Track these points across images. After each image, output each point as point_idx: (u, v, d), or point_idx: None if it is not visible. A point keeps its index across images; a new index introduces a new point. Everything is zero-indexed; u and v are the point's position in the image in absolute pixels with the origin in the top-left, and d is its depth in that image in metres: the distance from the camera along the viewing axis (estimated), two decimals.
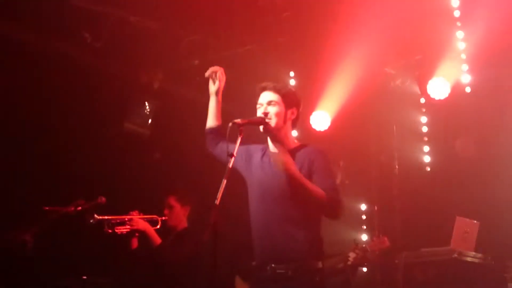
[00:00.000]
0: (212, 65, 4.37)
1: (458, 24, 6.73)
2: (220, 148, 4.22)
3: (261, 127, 4.00)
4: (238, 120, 3.85)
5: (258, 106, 4.09)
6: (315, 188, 3.81)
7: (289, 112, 4.08)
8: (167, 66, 7.73)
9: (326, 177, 3.91)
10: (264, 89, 4.11)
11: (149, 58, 7.47)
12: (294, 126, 4.18)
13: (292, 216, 3.86)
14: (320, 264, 3.89)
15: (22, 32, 6.58)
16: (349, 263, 6.08)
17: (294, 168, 3.80)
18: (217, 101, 4.34)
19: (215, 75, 4.29)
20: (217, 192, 3.49)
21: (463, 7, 6.61)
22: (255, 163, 4.12)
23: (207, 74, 4.30)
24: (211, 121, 4.36)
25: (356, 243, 6.21)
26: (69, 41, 6.89)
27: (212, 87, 4.32)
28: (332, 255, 6.04)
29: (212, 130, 4.34)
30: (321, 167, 3.95)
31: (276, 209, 3.89)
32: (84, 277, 5.94)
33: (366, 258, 6.17)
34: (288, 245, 3.83)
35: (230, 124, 3.84)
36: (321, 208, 3.87)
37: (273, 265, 3.84)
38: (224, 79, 4.32)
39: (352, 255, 6.10)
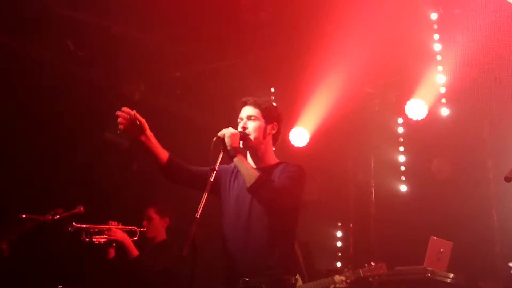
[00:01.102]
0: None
1: (438, 46, 6.84)
2: (194, 171, 4.07)
3: (240, 143, 3.97)
4: (222, 134, 3.85)
5: (238, 120, 4.08)
6: (251, 168, 3.86)
7: (269, 127, 4.08)
8: (149, 77, 7.73)
9: (283, 175, 3.90)
10: (245, 103, 4.11)
11: (131, 69, 7.48)
12: (275, 141, 4.16)
13: (266, 231, 3.83)
14: (293, 280, 3.86)
15: (5, 38, 6.55)
16: (337, 285, 5.89)
17: (236, 145, 3.85)
18: (152, 137, 3.97)
19: (136, 118, 3.84)
20: (197, 205, 3.48)
21: (442, 29, 6.72)
22: (232, 180, 4.07)
23: (121, 120, 3.82)
24: (160, 157, 4.02)
25: (349, 268, 6.04)
26: (52, 48, 6.89)
27: (138, 130, 3.89)
28: (322, 277, 5.97)
29: (167, 164, 4.03)
30: (287, 170, 3.95)
31: (250, 225, 3.86)
32: (60, 287, 5.90)
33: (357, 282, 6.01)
34: (263, 260, 3.79)
35: (215, 138, 3.82)
36: (250, 188, 3.82)
37: (246, 278, 3.78)
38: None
39: (341, 278, 5.92)
